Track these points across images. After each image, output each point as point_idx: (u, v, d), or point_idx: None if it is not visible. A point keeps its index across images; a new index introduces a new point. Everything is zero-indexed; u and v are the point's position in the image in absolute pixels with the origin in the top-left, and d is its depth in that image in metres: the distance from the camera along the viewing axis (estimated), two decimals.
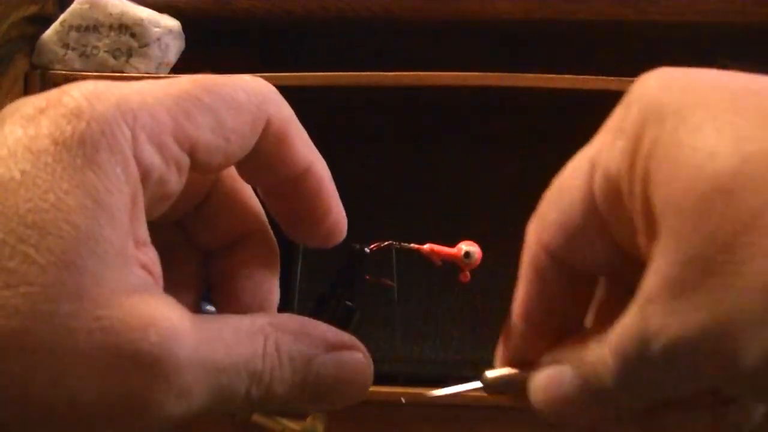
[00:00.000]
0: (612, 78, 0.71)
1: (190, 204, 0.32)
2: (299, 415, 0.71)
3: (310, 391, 0.29)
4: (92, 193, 0.25)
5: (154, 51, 0.78)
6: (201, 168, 0.28)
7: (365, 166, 0.83)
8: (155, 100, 0.27)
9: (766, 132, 0.23)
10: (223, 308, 0.33)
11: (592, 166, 0.27)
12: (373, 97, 0.79)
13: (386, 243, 0.38)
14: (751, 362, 0.22)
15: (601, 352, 0.27)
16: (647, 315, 0.24)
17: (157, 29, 0.78)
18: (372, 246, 0.37)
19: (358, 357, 0.31)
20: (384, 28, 0.84)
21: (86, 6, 0.78)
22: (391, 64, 0.74)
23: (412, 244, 0.39)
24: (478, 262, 0.40)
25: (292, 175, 0.31)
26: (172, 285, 0.28)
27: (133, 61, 0.78)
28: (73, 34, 0.78)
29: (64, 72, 0.77)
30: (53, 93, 0.26)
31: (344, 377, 0.30)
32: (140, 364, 0.24)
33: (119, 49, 0.78)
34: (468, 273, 0.40)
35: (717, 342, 0.23)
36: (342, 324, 0.33)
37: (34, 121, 0.25)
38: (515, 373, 0.32)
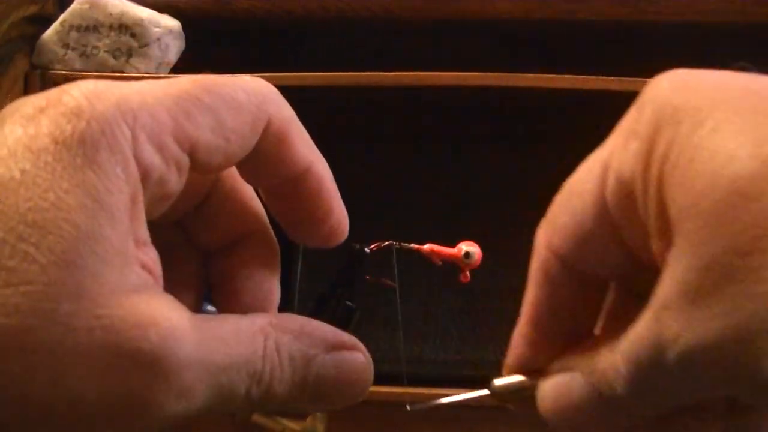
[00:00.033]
0: (612, 78, 0.71)
1: (190, 204, 0.32)
2: (299, 415, 0.71)
3: (310, 391, 0.29)
4: (92, 193, 0.25)
5: (154, 51, 0.78)
6: (201, 168, 0.28)
7: (365, 166, 0.83)
8: (155, 100, 0.27)
9: None
10: (223, 308, 0.33)
11: (605, 169, 0.27)
12: (373, 97, 0.79)
13: (386, 243, 0.38)
14: None
15: (613, 359, 0.26)
16: (662, 321, 0.24)
17: (157, 29, 0.78)
18: (372, 246, 0.37)
19: (358, 357, 0.31)
20: (384, 28, 0.84)
21: (86, 6, 0.78)
22: (391, 64, 0.74)
23: (412, 245, 0.39)
24: (478, 262, 0.40)
25: (292, 175, 0.31)
26: (172, 285, 0.28)
27: (133, 61, 0.78)
28: (73, 34, 0.78)
29: (64, 72, 0.77)
30: (53, 92, 0.26)
31: (344, 377, 0.30)
32: (140, 364, 0.24)
33: (119, 49, 0.78)
34: (468, 273, 0.40)
35: (736, 350, 0.22)
36: (342, 324, 0.33)
37: (34, 120, 0.25)
38: (524, 381, 0.31)
